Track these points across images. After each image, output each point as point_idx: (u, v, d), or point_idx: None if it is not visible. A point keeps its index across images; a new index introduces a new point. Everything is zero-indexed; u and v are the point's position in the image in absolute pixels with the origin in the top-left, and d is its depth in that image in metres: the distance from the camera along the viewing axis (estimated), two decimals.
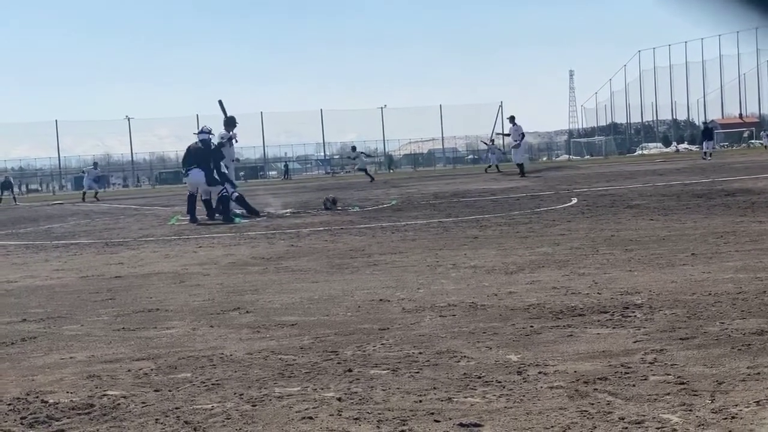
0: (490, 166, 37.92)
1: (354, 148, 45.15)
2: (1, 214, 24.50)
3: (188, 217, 14.87)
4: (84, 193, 34.60)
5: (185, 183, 17.34)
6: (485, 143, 41.29)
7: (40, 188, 68.33)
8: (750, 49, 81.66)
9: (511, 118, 28.43)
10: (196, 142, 15.29)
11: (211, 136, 15.38)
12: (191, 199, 15.01)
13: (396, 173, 56.20)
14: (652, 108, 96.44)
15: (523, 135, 28.37)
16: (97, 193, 35.22)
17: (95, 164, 40.64)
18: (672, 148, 67.73)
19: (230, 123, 15.92)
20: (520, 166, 28.08)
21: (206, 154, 15.19)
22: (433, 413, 2.93)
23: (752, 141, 61.99)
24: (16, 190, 42.55)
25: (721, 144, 69.90)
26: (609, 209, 11.86)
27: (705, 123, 49.39)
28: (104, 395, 3.40)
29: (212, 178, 15.06)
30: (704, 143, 39.55)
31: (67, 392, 3.48)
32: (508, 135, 29.20)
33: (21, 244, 12.25)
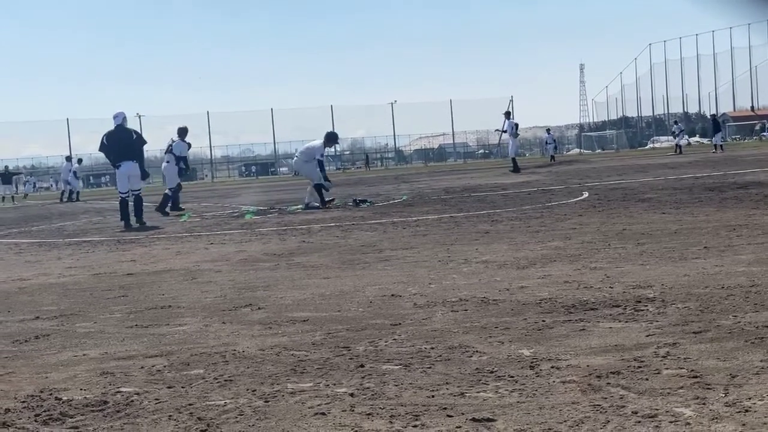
0: (553, 157, 40.59)
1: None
2: (13, 212, 24.63)
3: (123, 223, 13.57)
4: (69, 193, 32.99)
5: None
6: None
7: (30, 185, 67.88)
8: (761, 41, 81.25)
9: (507, 114, 29.61)
10: (123, 127, 13.87)
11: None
12: (125, 204, 13.70)
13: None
14: (663, 101, 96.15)
15: (506, 130, 28.84)
16: (69, 193, 33.19)
17: (70, 159, 36.93)
18: (684, 141, 67.51)
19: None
20: (513, 160, 28.74)
21: (139, 144, 13.97)
22: (445, 408, 2.92)
23: (764, 134, 61.91)
24: (14, 187, 39.46)
25: (733, 137, 69.64)
26: (620, 203, 11.82)
27: (713, 116, 49.70)
28: (117, 392, 3.41)
29: (145, 171, 14.19)
30: (714, 135, 39.71)
31: (81, 389, 3.49)
32: (506, 131, 29.24)
33: (34, 241, 12.31)
